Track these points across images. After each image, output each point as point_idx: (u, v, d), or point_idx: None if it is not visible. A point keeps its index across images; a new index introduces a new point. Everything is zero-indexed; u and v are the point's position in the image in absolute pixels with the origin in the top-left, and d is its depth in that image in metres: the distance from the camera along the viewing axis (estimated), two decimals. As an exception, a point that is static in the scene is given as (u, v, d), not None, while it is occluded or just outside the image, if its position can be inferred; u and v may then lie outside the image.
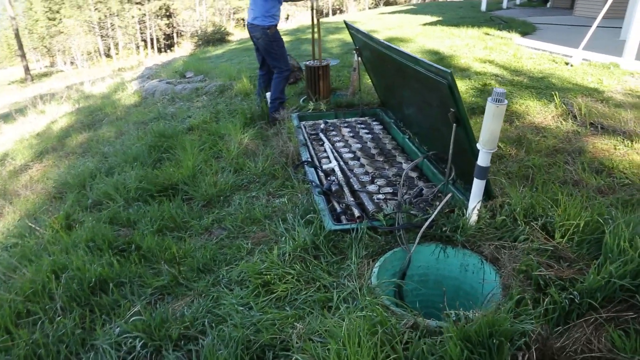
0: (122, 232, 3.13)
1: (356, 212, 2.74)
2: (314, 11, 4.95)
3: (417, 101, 3.22)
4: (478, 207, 2.52)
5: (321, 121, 4.73)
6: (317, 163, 3.64)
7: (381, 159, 3.76)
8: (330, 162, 3.66)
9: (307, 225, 2.73)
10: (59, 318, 2.23)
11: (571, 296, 1.77)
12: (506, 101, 2.15)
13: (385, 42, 3.17)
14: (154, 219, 3.16)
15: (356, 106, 5.02)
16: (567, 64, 6.07)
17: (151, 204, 3.43)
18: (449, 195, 2.51)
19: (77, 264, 2.54)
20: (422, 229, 2.43)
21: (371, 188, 3.19)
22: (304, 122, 4.68)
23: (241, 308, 2.15)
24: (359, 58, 4.67)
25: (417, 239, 2.44)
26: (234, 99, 5.92)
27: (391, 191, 3.16)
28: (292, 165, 3.60)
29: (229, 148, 4.21)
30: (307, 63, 5.23)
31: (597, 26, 6.04)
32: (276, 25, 4.65)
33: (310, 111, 4.84)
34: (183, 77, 7.97)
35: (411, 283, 2.60)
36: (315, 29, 5.02)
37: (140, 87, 7.83)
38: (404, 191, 3.11)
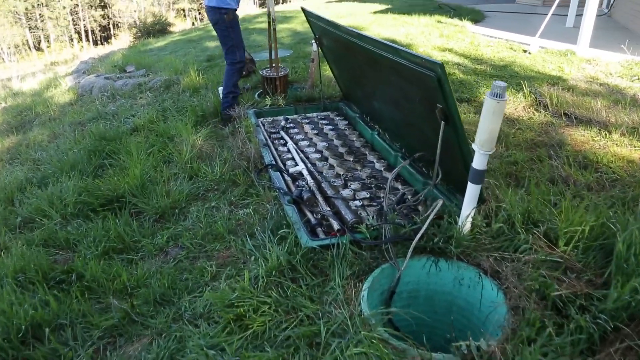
0: (59, 257, 2.67)
1: (335, 225, 2.43)
2: (272, 20, 4.56)
3: (391, 95, 2.94)
4: (472, 214, 2.29)
5: (281, 118, 4.38)
6: (281, 166, 3.30)
7: (351, 159, 3.47)
8: (296, 164, 3.33)
9: (280, 242, 2.40)
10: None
11: (597, 320, 1.55)
12: (507, 96, 1.91)
13: (355, 30, 2.86)
14: (98, 239, 2.71)
15: (317, 100, 4.70)
16: (525, 51, 6.04)
17: (94, 221, 2.97)
18: (440, 201, 2.26)
19: (2, 306, 2.08)
20: (414, 242, 2.17)
21: (346, 193, 2.90)
22: (261, 119, 4.31)
23: (212, 352, 1.79)
24: (318, 48, 4.33)
25: (409, 253, 2.17)
26: (182, 95, 5.43)
27: (368, 196, 2.88)
28: (255, 169, 3.24)
29: (180, 151, 3.78)
30: (264, 73, 4.85)
31: (539, 13, 6.03)
32: (235, 11, 4.22)
33: (267, 107, 4.47)
34: (123, 72, 7.32)
35: (400, 300, 2.34)
36: (272, 35, 4.63)
37: (76, 83, 7.11)
38: (385, 196, 2.84)
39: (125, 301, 2.19)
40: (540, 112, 3.86)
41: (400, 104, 2.85)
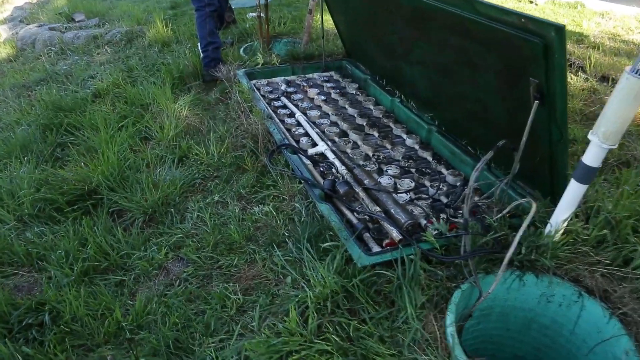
0: (21, 282, 2.01)
1: (394, 234, 1.90)
2: None
3: (438, 60, 2.35)
4: (567, 218, 1.81)
5: (278, 79, 3.69)
6: (295, 144, 2.69)
7: (375, 133, 2.90)
8: (312, 142, 2.72)
9: (322, 256, 1.85)
10: None
11: None
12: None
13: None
14: (72, 254, 2.06)
15: (316, 58, 4.02)
16: (531, 2, 5.50)
17: (61, 224, 2.30)
18: (534, 207, 1.75)
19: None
20: (508, 256, 1.67)
21: (385, 182, 2.35)
22: (255, 82, 3.61)
23: None
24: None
25: (501, 270, 1.68)
26: (149, 51, 4.58)
27: (413, 185, 2.34)
28: (266, 151, 2.61)
29: (161, 125, 3.07)
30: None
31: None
32: None
33: (260, 66, 3.76)
34: (71, 21, 6.21)
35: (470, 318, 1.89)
36: None
37: (12, 34, 5.99)
38: (437, 187, 2.31)
39: (127, 354, 1.60)
40: (579, 76, 3.38)
41: (452, 71, 2.27)
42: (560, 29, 1.49)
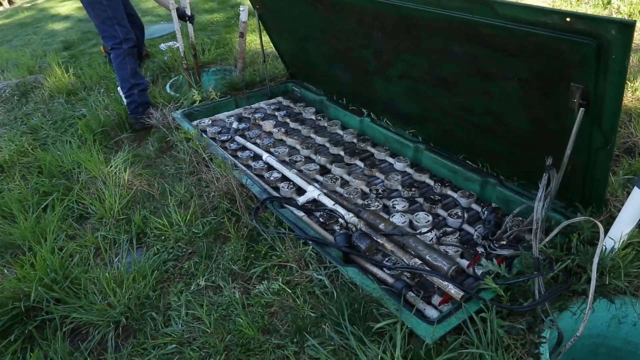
0: None
1: (451, 289, 1.57)
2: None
3: (432, 70, 2.08)
4: (631, 231, 1.61)
5: (223, 116, 3.22)
6: (275, 193, 2.27)
7: (358, 162, 2.57)
8: (296, 187, 2.32)
9: (373, 338, 1.48)
10: None
11: None
12: None
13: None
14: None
15: (257, 85, 3.61)
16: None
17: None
18: (602, 229, 1.51)
19: None
20: (592, 291, 1.42)
21: (398, 221, 2.02)
22: (196, 123, 3.11)
23: None
24: (258, 17, 3.17)
25: (587, 315, 1.43)
26: (52, 104, 3.85)
27: (430, 219, 2.04)
28: (250, 211, 2.17)
29: (99, 197, 2.48)
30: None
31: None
32: None
33: (198, 104, 3.26)
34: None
35: None
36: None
37: None
38: (458, 216, 2.03)
39: None
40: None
41: (453, 83, 2.01)
42: (626, 26, 1.26)
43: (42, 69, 4.48)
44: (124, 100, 3.24)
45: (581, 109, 1.52)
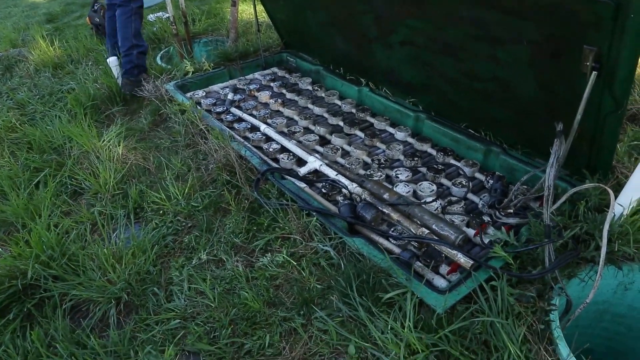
0: None
1: (460, 258, 1.55)
2: None
3: (436, 37, 2.01)
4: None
5: (217, 88, 3.13)
6: (273, 164, 2.22)
7: (358, 132, 2.51)
8: (296, 158, 2.27)
9: (382, 308, 1.46)
10: None
11: None
12: None
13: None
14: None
15: (252, 55, 3.50)
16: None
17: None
18: (612, 196, 1.49)
19: None
20: (603, 257, 1.41)
21: (402, 191, 1.99)
22: (189, 95, 3.02)
23: None
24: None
25: (596, 283, 1.42)
26: (39, 78, 3.72)
27: (435, 189, 2.00)
28: (251, 183, 2.11)
29: (94, 172, 2.41)
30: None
31: None
32: None
33: (191, 75, 3.16)
34: None
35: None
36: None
37: None
38: (463, 185, 2.00)
39: None
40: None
41: (459, 49, 1.94)
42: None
43: (26, 42, 4.31)
44: (122, 59, 3.09)
45: (593, 72, 1.47)
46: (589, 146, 1.80)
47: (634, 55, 1.39)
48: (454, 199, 1.95)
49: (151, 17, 4.51)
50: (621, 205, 1.62)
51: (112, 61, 3.13)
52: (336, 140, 2.41)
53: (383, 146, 2.37)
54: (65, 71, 3.71)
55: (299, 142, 2.43)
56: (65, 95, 3.23)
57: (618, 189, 1.71)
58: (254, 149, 2.30)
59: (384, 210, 1.80)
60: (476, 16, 1.71)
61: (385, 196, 1.88)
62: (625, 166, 1.91)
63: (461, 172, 2.12)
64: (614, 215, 1.63)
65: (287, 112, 2.77)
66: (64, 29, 4.79)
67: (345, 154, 2.35)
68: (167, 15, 3.54)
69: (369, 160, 2.26)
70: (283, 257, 1.75)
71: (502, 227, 1.67)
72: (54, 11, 5.43)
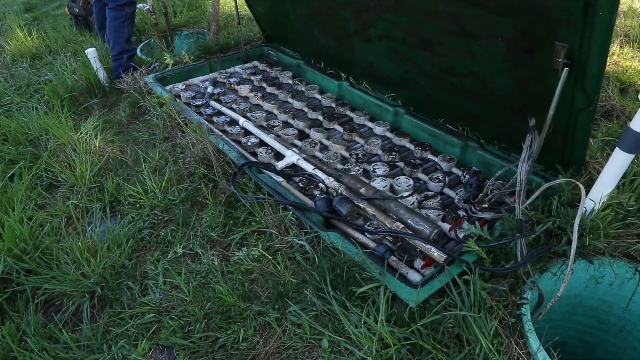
0: None
1: (434, 252, 1.56)
2: None
3: (417, 32, 2.01)
4: (611, 192, 1.62)
5: (197, 81, 3.10)
6: (251, 158, 2.21)
7: (337, 127, 2.51)
8: (274, 152, 2.27)
9: (355, 302, 1.47)
10: None
11: None
12: None
13: None
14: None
15: (233, 48, 3.47)
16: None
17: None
18: (583, 191, 1.51)
19: None
20: (573, 252, 1.43)
21: (379, 185, 2.00)
22: (169, 87, 2.99)
23: None
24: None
25: (567, 276, 1.44)
26: (15, 68, 3.64)
27: (412, 183, 2.02)
28: (226, 177, 2.10)
29: (70, 164, 2.38)
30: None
31: None
32: None
33: (170, 68, 3.13)
34: None
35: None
36: None
37: None
38: (439, 180, 2.01)
39: None
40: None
41: (435, 44, 1.95)
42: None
43: (3, 32, 4.22)
44: (112, 59, 3.08)
45: (565, 68, 1.50)
46: (562, 142, 1.82)
47: (603, 52, 1.41)
48: (430, 193, 1.96)
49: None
50: (592, 200, 1.65)
51: (91, 52, 3.08)
52: (315, 135, 2.41)
53: (362, 141, 2.37)
54: (43, 62, 3.64)
55: (278, 136, 2.42)
56: (43, 86, 3.17)
57: (590, 184, 1.74)
58: (232, 143, 2.28)
59: (360, 204, 1.81)
60: (453, 11, 1.71)
61: (362, 191, 1.89)
62: (598, 161, 1.94)
63: (438, 167, 2.13)
64: (585, 210, 1.65)
65: (266, 105, 2.76)
66: (43, 18, 4.70)
67: (324, 148, 2.35)
68: (147, 7, 3.49)
69: (347, 154, 2.26)
70: (259, 251, 1.75)
71: (477, 222, 1.69)
72: (32, 0, 5.32)
